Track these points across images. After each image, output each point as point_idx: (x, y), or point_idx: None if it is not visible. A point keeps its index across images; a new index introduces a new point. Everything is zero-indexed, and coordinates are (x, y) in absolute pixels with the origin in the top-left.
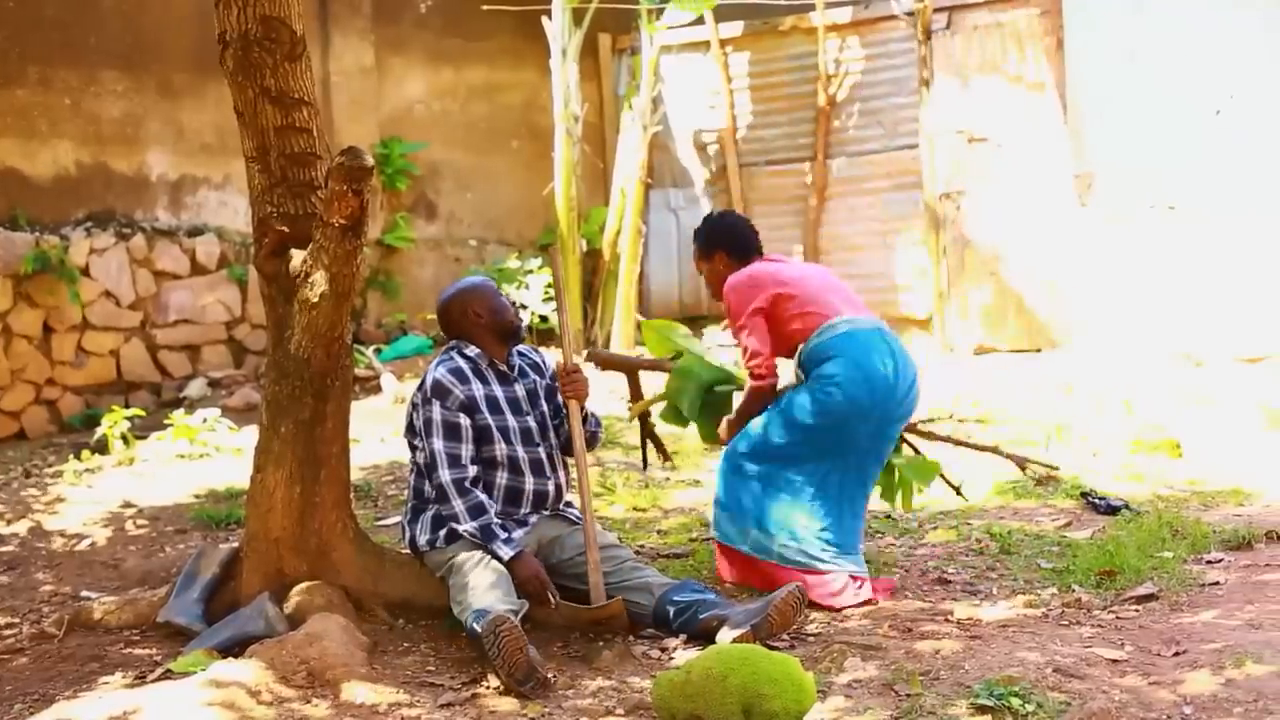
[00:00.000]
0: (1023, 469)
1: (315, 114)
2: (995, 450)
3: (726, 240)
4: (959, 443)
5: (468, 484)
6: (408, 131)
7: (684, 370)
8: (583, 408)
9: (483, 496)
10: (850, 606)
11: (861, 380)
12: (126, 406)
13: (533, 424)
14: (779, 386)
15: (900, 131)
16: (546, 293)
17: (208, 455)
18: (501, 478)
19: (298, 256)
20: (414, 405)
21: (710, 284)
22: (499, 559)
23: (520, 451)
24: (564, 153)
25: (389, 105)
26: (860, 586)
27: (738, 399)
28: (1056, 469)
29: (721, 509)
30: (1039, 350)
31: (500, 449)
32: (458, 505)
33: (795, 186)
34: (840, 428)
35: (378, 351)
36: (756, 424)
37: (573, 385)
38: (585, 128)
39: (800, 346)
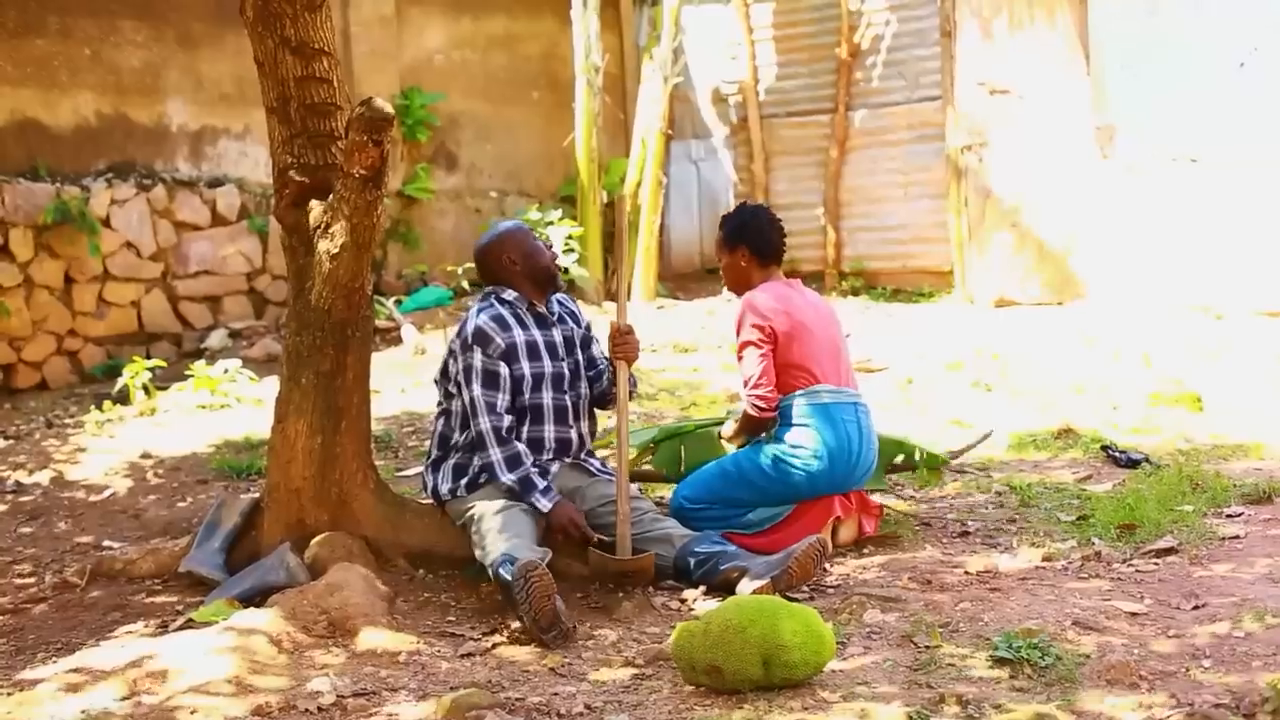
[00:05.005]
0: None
1: (335, 64)
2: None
3: (754, 239)
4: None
5: (505, 432)
6: (428, 82)
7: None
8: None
9: (520, 446)
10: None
11: (825, 458)
12: (148, 357)
13: (565, 370)
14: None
15: (922, 83)
16: (567, 244)
17: (228, 406)
18: (522, 429)
19: (318, 207)
20: (451, 352)
21: (727, 276)
22: (538, 510)
23: (547, 398)
24: (584, 103)
25: (409, 55)
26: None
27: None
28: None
29: (693, 524)
30: (1060, 303)
31: (526, 398)
32: (495, 454)
33: (816, 138)
34: (790, 493)
35: (398, 303)
36: (705, 475)
37: (624, 346)
38: (606, 78)
39: (780, 395)
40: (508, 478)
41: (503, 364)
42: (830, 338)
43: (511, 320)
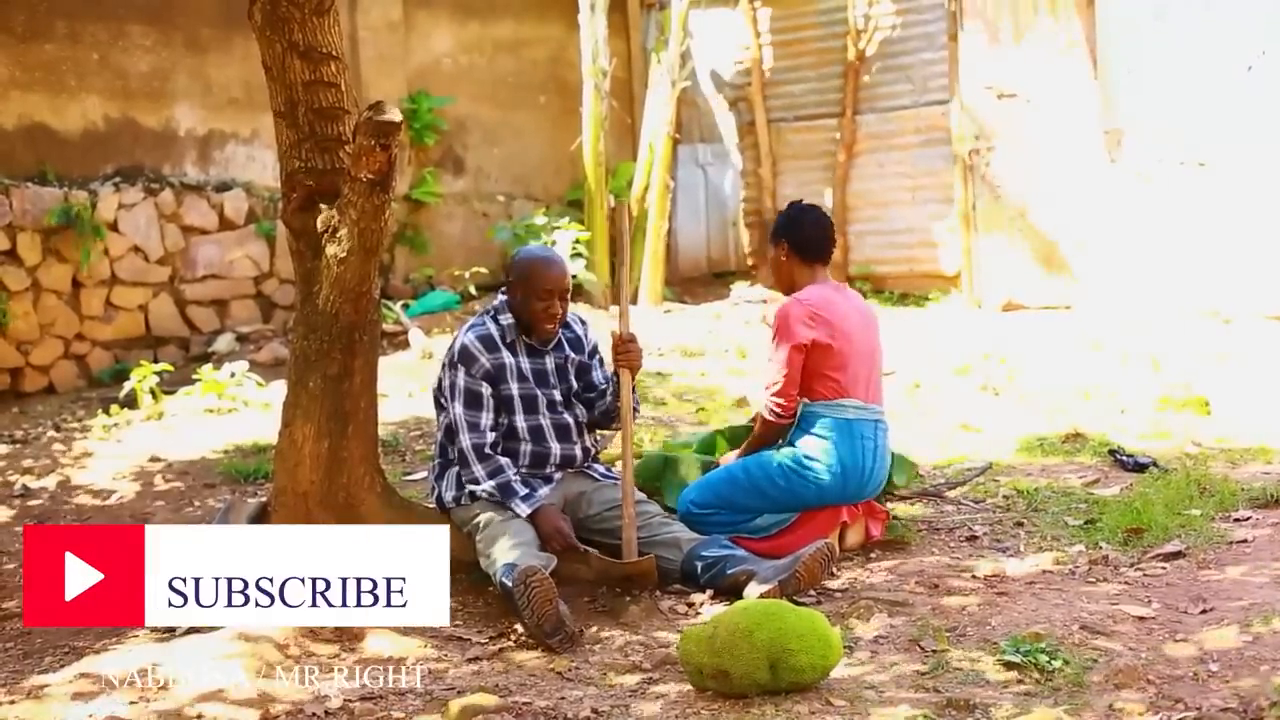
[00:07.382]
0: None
1: (343, 69)
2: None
3: (794, 235)
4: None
5: (487, 450)
6: (435, 86)
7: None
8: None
9: (503, 460)
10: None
11: (839, 475)
12: (155, 361)
13: (558, 396)
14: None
15: (930, 87)
16: (574, 248)
17: (236, 410)
18: (525, 447)
19: (326, 211)
20: (443, 366)
21: (772, 273)
22: (519, 516)
23: (544, 420)
24: (592, 108)
25: (416, 60)
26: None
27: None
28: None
29: (701, 528)
30: (1068, 307)
31: (521, 420)
32: (477, 470)
33: (824, 142)
34: (799, 503)
35: (405, 307)
36: (714, 479)
37: (627, 356)
38: (613, 83)
39: (805, 400)
40: (488, 485)
41: (485, 384)
42: (868, 350)
43: (500, 342)
